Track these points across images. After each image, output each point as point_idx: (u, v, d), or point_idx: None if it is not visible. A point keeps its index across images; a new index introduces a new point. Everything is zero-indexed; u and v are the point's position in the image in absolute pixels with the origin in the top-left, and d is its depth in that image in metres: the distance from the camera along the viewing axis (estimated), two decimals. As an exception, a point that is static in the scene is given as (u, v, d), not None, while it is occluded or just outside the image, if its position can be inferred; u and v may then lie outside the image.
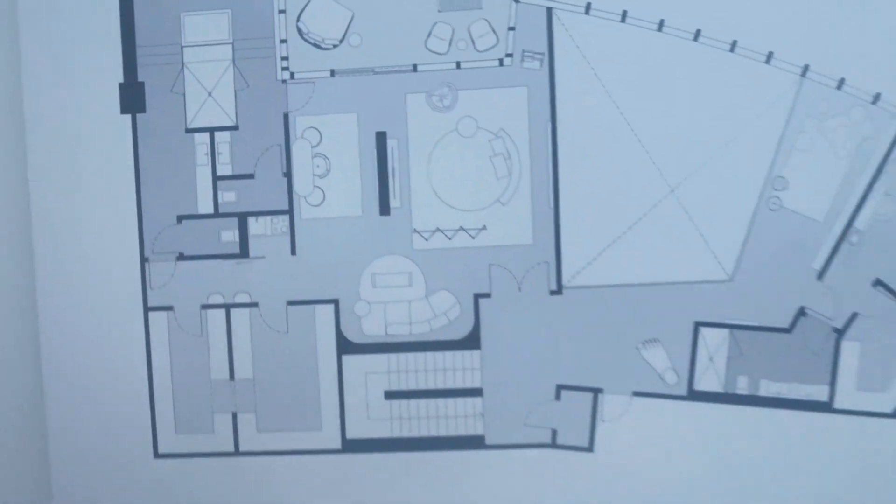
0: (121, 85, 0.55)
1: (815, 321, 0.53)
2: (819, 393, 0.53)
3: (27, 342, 0.56)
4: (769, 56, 0.52)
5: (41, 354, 0.56)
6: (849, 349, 0.53)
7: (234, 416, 0.56)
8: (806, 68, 0.52)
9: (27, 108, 0.55)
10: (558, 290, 0.54)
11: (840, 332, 0.53)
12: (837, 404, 0.53)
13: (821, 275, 0.53)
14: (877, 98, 0.51)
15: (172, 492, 0.57)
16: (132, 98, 0.55)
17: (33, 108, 0.55)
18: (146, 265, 0.56)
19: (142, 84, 0.55)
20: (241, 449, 0.56)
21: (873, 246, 0.52)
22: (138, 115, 0.55)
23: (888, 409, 0.53)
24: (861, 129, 0.52)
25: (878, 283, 0.53)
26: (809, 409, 0.53)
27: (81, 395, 0.56)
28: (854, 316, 0.53)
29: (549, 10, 0.53)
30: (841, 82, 0.51)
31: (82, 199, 0.56)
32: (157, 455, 0.57)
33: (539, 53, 0.53)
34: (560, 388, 0.54)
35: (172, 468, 0.56)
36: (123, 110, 0.55)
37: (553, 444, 0.55)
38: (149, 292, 0.56)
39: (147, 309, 0.56)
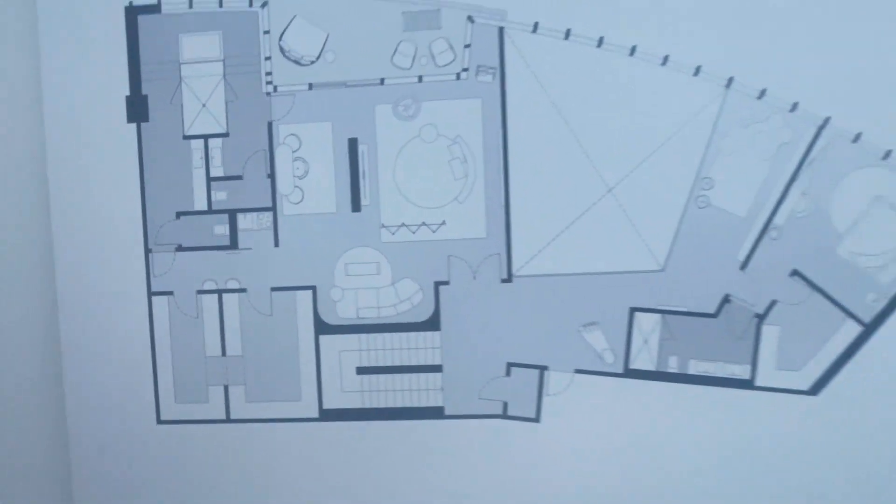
0: (127, 97, 0.59)
1: (738, 307, 0.56)
2: (742, 372, 0.56)
3: (47, 324, 0.61)
4: (697, 69, 0.55)
5: (60, 334, 0.61)
6: (769, 332, 0.55)
7: (226, 388, 0.61)
8: (731, 80, 0.54)
9: (47, 118, 0.60)
10: (509, 279, 0.58)
11: (761, 317, 0.56)
12: (759, 382, 0.56)
13: (744, 265, 0.56)
14: (794, 107, 0.54)
15: (173, 454, 0.61)
16: (137, 109, 0.60)
17: (52, 117, 0.60)
18: (149, 255, 0.60)
19: (145, 97, 0.59)
20: (232, 417, 0.60)
21: (791, 240, 0.55)
22: (142, 124, 0.59)
23: (804, 387, 0.56)
24: (780, 134, 0.55)
25: (796, 273, 0.55)
26: (733, 386, 0.56)
27: (95, 368, 0.61)
28: (773, 303, 0.56)
29: (501, 29, 0.56)
30: (762, 92, 0.54)
31: (95, 197, 0.60)
32: (159, 421, 0.61)
33: (492, 68, 0.57)
34: (510, 365, 0.58)
35: (173, 433, 0.61)
36: (129, 120, 0.60)
37: (504, 415, 0.59)
38: (152, 279, 0.60)
39: (150, 294, 0.60)
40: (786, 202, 0.55)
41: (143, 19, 0.58)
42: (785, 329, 0.55)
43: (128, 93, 0.59)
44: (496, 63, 0.56)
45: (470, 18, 0.56)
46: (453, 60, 0.56)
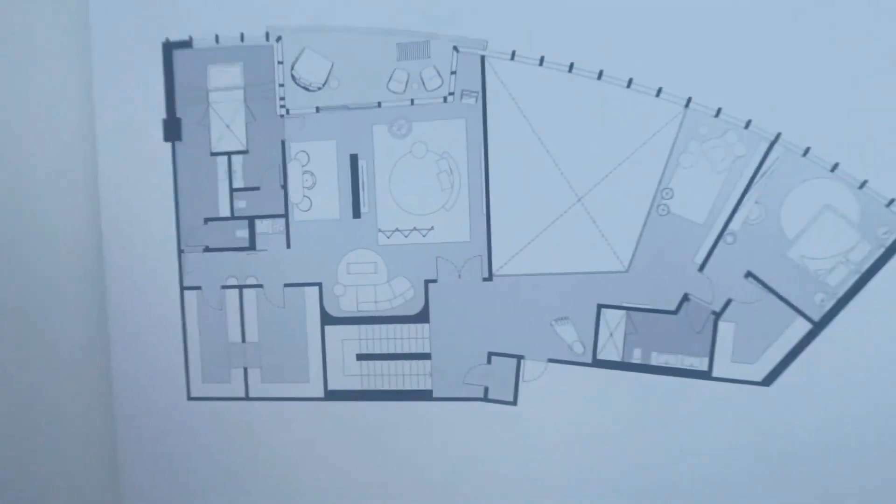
0: (164, 120, 0.67)
1: (696, 305, 0.59)
2: (700, 364, 0.60)
3: (97, 312, 0.68)
4: (659, 91, 0.58)
5: (108, 321, 0.68)
6: (725, 328, 0.58)
7: (245, 370, 0.67)
8: (689, 100, 0.58)
9: (98, 137, 0.67)
10: (489, 278, 0.62)
11: (717, 315, 0.59)
12: (715, 373, 0.59)
13: (702, 267, 0.59)
14: (748, 124, 0.57)
15: (201, 426, 0.68)
16: (172, 129, 0.67)
17: (102, 137, 0.67)
18: (181, 255, 0.67)
19: (179, 119, 0.66)
20: (251, 395, 0.66)
21: (745, 244, 0.58)
22: (176, 143, 0.67)
23: (758, 378, 0.59)
24: (735, 149, 0.58)
25: (749, 274, 0.58)
26: (692, 376, 0.60)
27: (136, 351, 0.68)
28: (729, 301, 0.58)
29: (483, 57, 0.61)
30: (718, 111, 0.57)
31: (137, 205, 0.67)
32: (189, 398, 0.68)
33: (474, 92, 0.61)
34: (491, 354, 0.62)
35: (201, 408, 0.67)
36: (166, 139, 0.67)
37: (485, 398, 0.63)
38: (184, 275, 0.67)
39: (182, 288, 0.67)
40: (740, 210, 0.57)
41: (177, 53, 0.65)
42: (740, 325, 0.58)
43: (164, 116, 0.66)
44: (478, 87, 0.61)
45: (455, 48, 0.61)
46: (441, 85, 0.61)
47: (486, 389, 0.63)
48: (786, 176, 0.56)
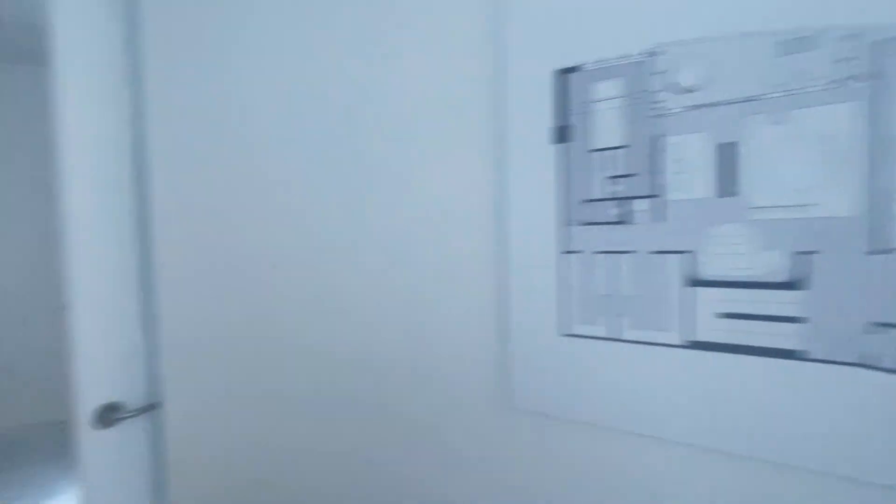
0: (555, 127, 0.83)
1: None
2: None
3: (505, 271, 0.89)
4: None
5: (510, 277, 0.88)
6: None
7: (614, 316, 0.79)
8: None
9: (509, 148, 0.87)
10: (879, 251, 0.61)
11: None
12: None
13: None
14: None
15: (571, 357, 0.82)
16: (562, 134, 0.83)
17: (510, 148, 0.87)
18: (565, 228, 0.83)
19: (569, 126, 0.82)
20: (621, 337, 0.78)
21: None
22: (564, 145, 0.83)
23: None
24: None
25: None
26: None
27: (526, 295, 0.86)
28: None
29: (875, 42, 0.60)
30: None
31: (531, 192, 0.86)
32: (561, 335, 0.83)
33: (864, 75, 0.61)
34: (878, 324, 0.61)
35: (573, 344, 0.82)
36: (553, 142, 0.83)
37: (868, 366, 0.62)
38: (566, 243, 0.82)
39: (563, 253, 0.83)
40: None
41: (571, 77, 0.81)
42: None
43: (549, 125, 0.83)
44: (869, 70, 0.60)
45: (842, 37, 0.62)
46: (824, 74, 0.62)
47: (870, 356, 0.61)
48: None
